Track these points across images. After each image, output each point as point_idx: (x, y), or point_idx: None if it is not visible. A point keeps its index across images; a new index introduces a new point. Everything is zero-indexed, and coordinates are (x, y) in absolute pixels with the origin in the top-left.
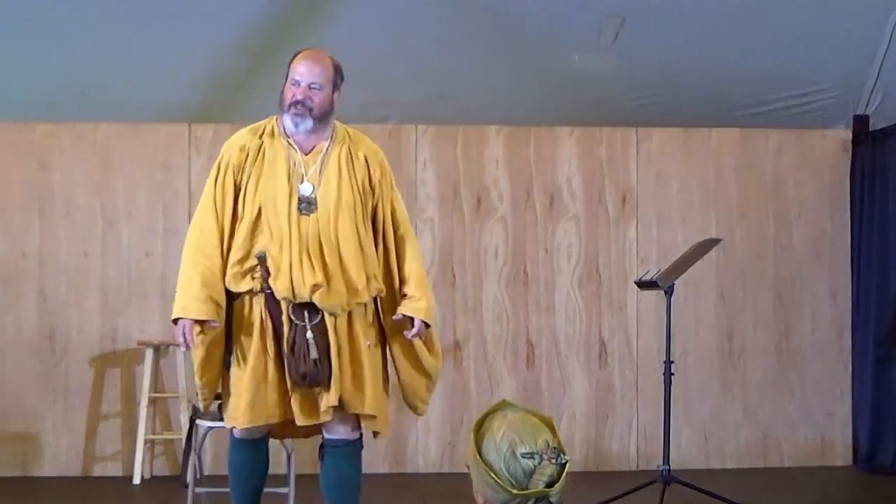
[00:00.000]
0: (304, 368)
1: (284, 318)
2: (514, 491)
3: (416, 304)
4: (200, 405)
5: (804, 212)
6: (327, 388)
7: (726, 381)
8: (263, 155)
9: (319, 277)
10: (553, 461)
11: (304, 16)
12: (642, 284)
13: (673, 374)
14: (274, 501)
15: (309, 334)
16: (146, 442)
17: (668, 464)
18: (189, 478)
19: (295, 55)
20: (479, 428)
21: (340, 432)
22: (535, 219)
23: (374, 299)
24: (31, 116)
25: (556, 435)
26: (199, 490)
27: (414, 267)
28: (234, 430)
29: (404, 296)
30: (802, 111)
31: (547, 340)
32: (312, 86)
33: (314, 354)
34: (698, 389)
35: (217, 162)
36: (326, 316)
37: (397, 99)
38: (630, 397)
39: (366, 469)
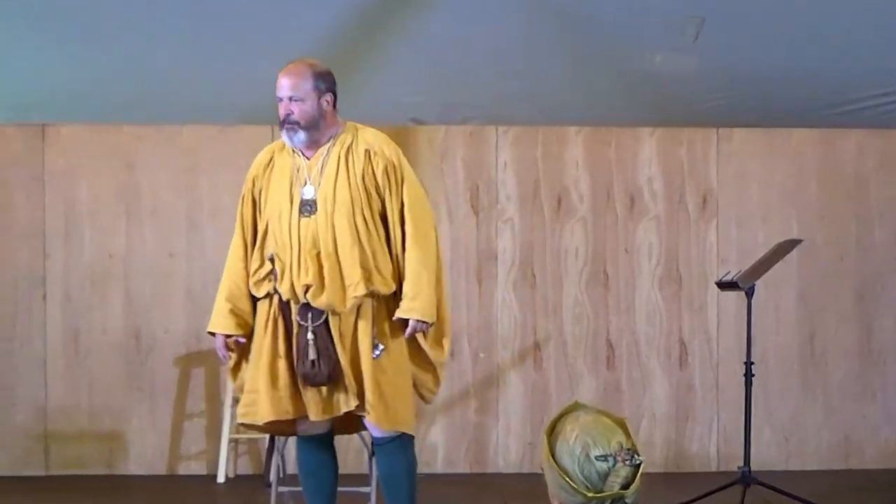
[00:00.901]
0: (303, 369)
1: (293, 318)
2: (590, 494)
3: (408, 305)
4: None
5: (886, 212)
6: (337, 387)
7: (807, 381)
8: (273, 168)
9: (311, 277)
10: (627, 463)
11: (389, 17)
12: (723, 285)
13: (753, 375)
14: (356, 500)
15: (309, 335)
16: (230, 441)
17: (749, 465)
18: (272, 477)
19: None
20: (552, 431)
21: (378, 430)
22: (615, 219)
23: (394, 297)
24: (119, 118)
25: (630, 436)
26: (281, 489)
27: (411, 264)
28: (298, 430)
29: (402, 296)
30: (885, 111)
31: (627, 341)
32: (293, 98)
33: (312, 355)
34: (779, 390)
35: (245, 181)
36: (330, 316)
37: (478, 100)
38: (710, 398)
39: (447, 469)
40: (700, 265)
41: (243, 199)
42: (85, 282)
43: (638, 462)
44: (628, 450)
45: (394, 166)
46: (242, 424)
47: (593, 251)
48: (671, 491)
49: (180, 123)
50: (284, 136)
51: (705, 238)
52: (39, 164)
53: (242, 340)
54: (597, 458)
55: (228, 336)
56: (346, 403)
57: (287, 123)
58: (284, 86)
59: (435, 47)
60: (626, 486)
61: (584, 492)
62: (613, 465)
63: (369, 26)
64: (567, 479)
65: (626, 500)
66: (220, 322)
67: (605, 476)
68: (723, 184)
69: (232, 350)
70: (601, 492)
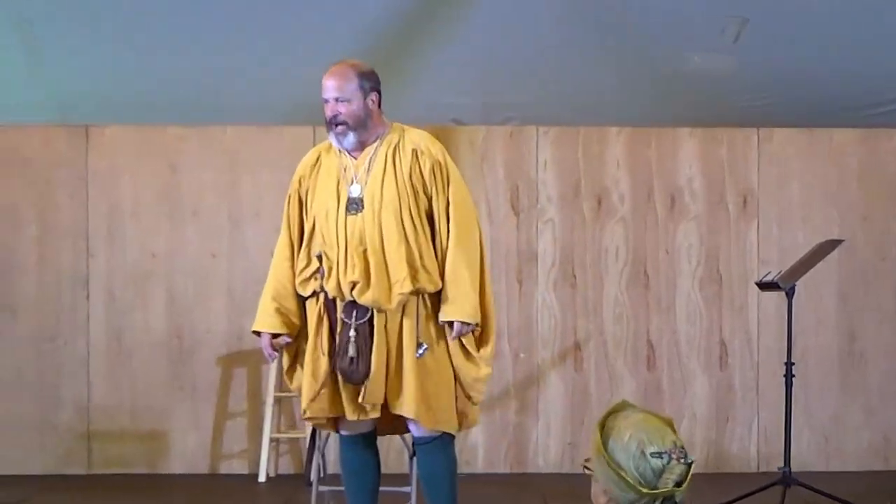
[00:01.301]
0: (342, 366)
1: (338, 316)
2: (644, 490)
3: (451, 307)
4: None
5: None
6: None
7: (847, 382)
8: (320, 168)
9: (358, 274)
10: (682, 461)
11: (430, 18)
12: (763, 286)
13: (794, 376)
14: (397, 500)
15: (351, 332)
16: (271, 440)
17: (789, 465)
18: (313, 476)
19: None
20: (603, 427)
21: (419, 430)
22: (655, 220)
23: (439, 296)
24: (162, 120)
25: (678, 435)
26: (322, 488)
27: (455, 265)
28: (340, 429)
29: (443, 297)
30: None
31: (667, 341)
32: (339, 99)
33: (351, 353)
34: (819, 391)
35: (291, 181)
36: (375, 314)
37: (519, 100)
38: (750, 398)
39: (487, 469)
40: (740, 265)
41: (290, 198)
42: (128, 281)
43: (691, 460)
44: (681, 448)
45: (440, 165)
46: (307, 419)
47: (634, 251)
48: (712, 491)
49: (223, 124)
50: (332, 139)
51: (745, 238)
52: (83, 165)
53: (288, 339)
54: (652, 455)
55: (274, 336)
56: (369, 401)
57: (335, 125)
58: (330, 87)
59: (476, 48)
60: (679, 484)
61: (639, 487)
62: (668, 463)
63: (410, 28)
64: (621, 473)
65: (676, 499)
66: (266, 321)
67: (659, 473)
68: (763, 184)
69: (277, 350)
70: (655, 488)
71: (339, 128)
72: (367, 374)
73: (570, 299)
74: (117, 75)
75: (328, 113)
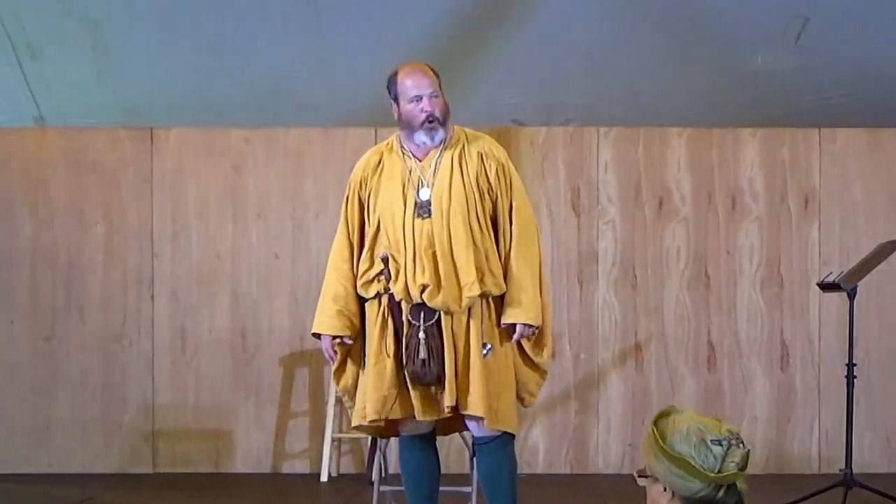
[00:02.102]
0: (413, 368)
1: (404, 318)
2: (711, 475)
3: (515, 309)
4: (350, 412)
5: None
6: (442, 387)
7: None
8: (382, 169)
9: (428, 277)
10: (741, 447)
11: (491, 19)
12: (825, 286)
13: (855, 377)
14: (457, 500)
15: (421, 335)
16: (333, 440)
17: (850, 467)
18: (374, 476)
19: (395, 73)
20: (656, 428)
21: (480, 430)
22: (716, 220)
23: (500, 297)
24: (226, 122)
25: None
26: (383, 488)
27: (518, 268)
28: (400, 430)
29: (506, 300)
30: None
31: (728, 342)
32: (433, 96)
33: (422, 355)
34: (881, 392)
35: (348, 183)
36: (443, 316)
37: (580, 101)
38: (812, 400)
39: (547, 469)
40: (802, 266)
41: (348, 200)
42: (192, 282)
43: (748, 449)
44: (737, 435)
45: (504, 168)
46: (356, 428)
47: (695, 252)
48: (772, 492)
49: (286, 127)
50: (423, 135)
51: (807, 239)
52: (148, 167)
53: (350, 342)
54: (712, 441)
55: (335, 338)
56: (446, 402)
57: (429, 121)
58: (424, 83)
59: (536, 49)
60: (742, 469)
61: (706, 473)
62: (729, 448)
63: (472, 30)
64: (688, 461)
65: (739, 486)
66: (327, 323)
67: (721, 459)
68: (825, 184)
69: (337, 351)
70: (720, 472)
71: (434, 123)
72: (438, 376)
73: (630, 300)
74: (183, 78)
75: (425, 108)
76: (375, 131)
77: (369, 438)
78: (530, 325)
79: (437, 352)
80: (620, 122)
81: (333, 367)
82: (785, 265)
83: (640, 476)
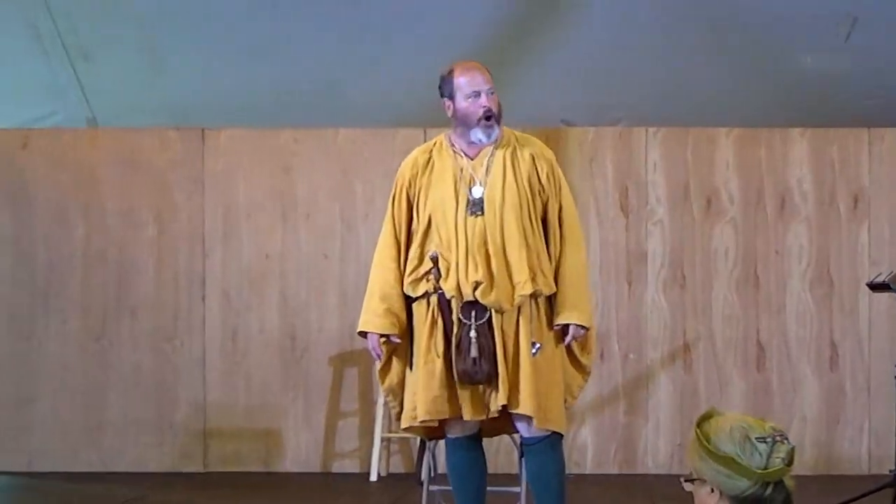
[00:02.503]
0: (464, 366)
1: (454, 317)
2: (758, 472)
3: (569, 311)
4: (392, 412)
5: None
6: (493, 386)
7: None
8: (432, 168)
9: (481, 275)
10: (785, 443)
11: (541, 18)
12: (874, 286)
13: None
14: (506, 500)
15: (472, 333)
16: (383, 440)
17: None
18: (423, 476)
19: (450, 71)
20: (699, 431)
21: (529, 430)
22: (765, 221)
23: (549, 297)
24: (276, 123)
25: None
26: (433, 488)
27: (570, 269)
28: (447, 431)
29: (559, 300)
30: None
31: (777, 343)
32: (490, 92)
33: (474, 353)
34: None
35: (395, 181)
36: (494, 315)
37: (628, 101)
38: (861, 400)
39: (595, 469)
40: (851, 267)
41: (396, 198)
42: (242, 282)
43: (793, 445)
44: (781, 431)
45: (553, 170)
46: (405, 429)
47: (743, 252)
48: (822, 493)
49: (335, 127)
50: (481, 132)
51: (856, 239)
52: (199, 167)
53: (397, 340)
54: (757, 439)
55: (382, 336)
56: (498, 401)
57: (489, 118)
58: (481, 80)
59: (586, 49)
60: (788, 464)
61: (753, 470)
62: (774, 444)
63: (520, 30)
64: (734, 459)
65: (786, 484)
66: (375, 322)
67: (767, 455)
68: (875, 184)
69: (388, 344)
70: (767, 469)
71: (491, 120)
72: (489, 374)
73: (679, 300)
74: (233, 79)
75: (484, 105)
76: (425, 131)
77: (418, 438)
78: (582, 327)
79: (488, 350)
80: (669, 122)
81: (378, 367)
82: (834, 265)
83: (686, 481)
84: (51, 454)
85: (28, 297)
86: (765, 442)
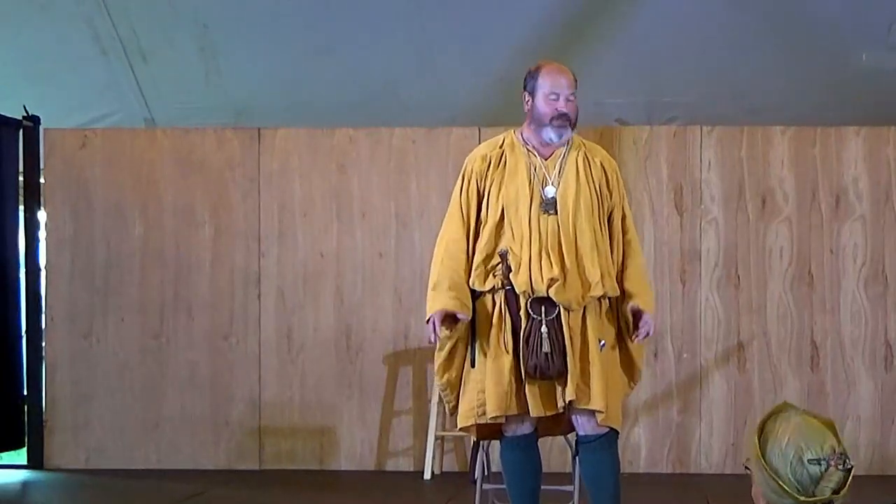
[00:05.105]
0: (535, 361)
1: (522, 312)
2: (801, 498)
3: (638, 299)
4: (447, 406)
5: None
6: (561, 382)
7: None
8: (504, 163)
9: (556, 272)
10: (840, 468)
11: (595, 17)
12: None
13: None
14: (559, 499)
15: (543, 328)
16: (436, 438)
17: None
18: (477, 474)
19: (538, 68)
20: (762, 431)
21: (587, 427)
22: (820, 219)
23: (610, 299)
24: (331, 123)
25: (839, 439)
26: (486, 487)
27: (639, 269)
28: (504, 430)
29: (627, 294)
30: None
31: (832, 342)
32: (570, 97)
33: (546, 348)
34: None
35: (461, 173)
36: (562, 311)
37: (683, 100)
38: None
39: (649, 469)
40: None
41: (466, 189)
42: (297, 281)
43: (850, 466)
44: (841, 454)
45: (619, 180)
46: (462, 429)
47: (798, 251)
48: (876, 494)
49: (390, 127)
50: (552, 131)
51: None
52: (255, 166)
53: (465, 317)
54: (809, 461)
55: (446, 318)
56: (567, 396)
57: (563, 118)
58: (564, 83)
59: (640, 48)
60: (837, 491)
61: (796, 495)
62: (826, 469)
63: (576, 29)
64: (778, 480)
65: None
66: (444, 301)
67: (817, 480)
68: None
69: (448, 330)
70: (813, 496)
71: (563, 121)
72: (561, 369)
73: (733, 299)
74: (289, 79)
75: (560, 107)
76: (479, 131)
77: (473, 437)
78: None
79: (559, 345)
80: (723, 121)
81: (440, 361)
82: (889, 264)
83: (746, 467)
84: (108, 451)
85: (87, 296)
86: (818, 464)
